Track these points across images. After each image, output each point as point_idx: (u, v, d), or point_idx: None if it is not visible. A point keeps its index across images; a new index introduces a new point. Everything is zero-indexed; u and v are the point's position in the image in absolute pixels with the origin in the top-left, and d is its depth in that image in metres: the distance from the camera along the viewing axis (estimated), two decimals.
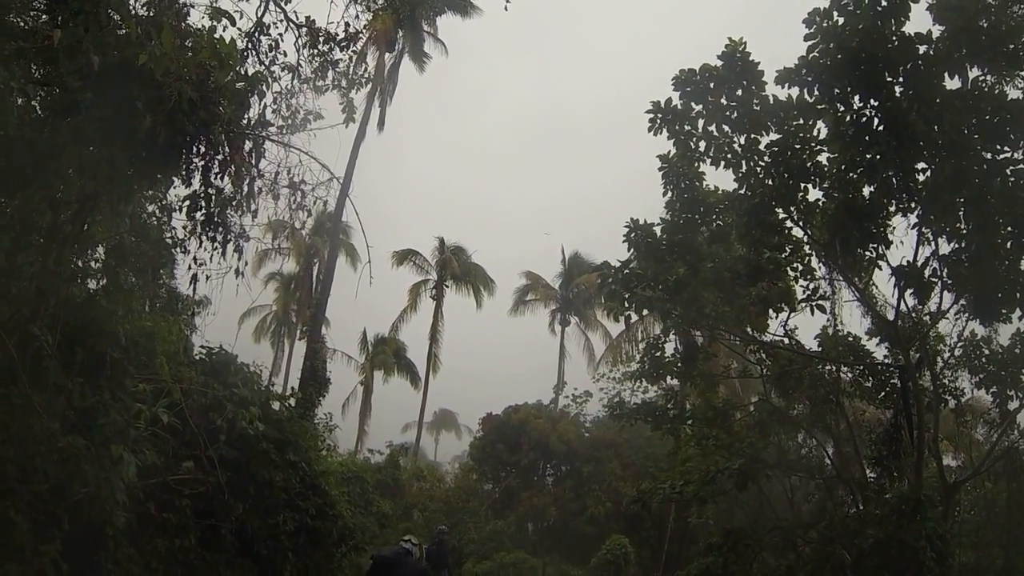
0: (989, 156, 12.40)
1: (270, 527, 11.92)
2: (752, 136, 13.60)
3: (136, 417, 8.08)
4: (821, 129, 13.43)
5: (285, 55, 11.52)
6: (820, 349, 16.10)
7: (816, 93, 12.92)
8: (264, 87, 8.77)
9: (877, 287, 15.43)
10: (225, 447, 10.65)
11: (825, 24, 12.48)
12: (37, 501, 7.04)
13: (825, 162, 13.69)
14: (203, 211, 8.09)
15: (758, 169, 13.75)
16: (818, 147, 13.53)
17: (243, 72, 8.88)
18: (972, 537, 15.83)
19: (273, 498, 12.04)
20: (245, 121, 8.23)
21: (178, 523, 10.01)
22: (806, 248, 14.81)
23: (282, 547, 12.13)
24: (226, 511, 10.83)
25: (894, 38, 12.34)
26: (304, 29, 11.80)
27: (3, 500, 6.73)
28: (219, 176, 7.90)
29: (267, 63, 11.37)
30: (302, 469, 13.03)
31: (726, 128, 13.68)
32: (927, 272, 13.63)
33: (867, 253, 14.07)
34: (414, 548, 11.49)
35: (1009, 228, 12.60)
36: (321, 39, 11.87)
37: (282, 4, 11.59)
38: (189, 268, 8.77)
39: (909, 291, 13.90)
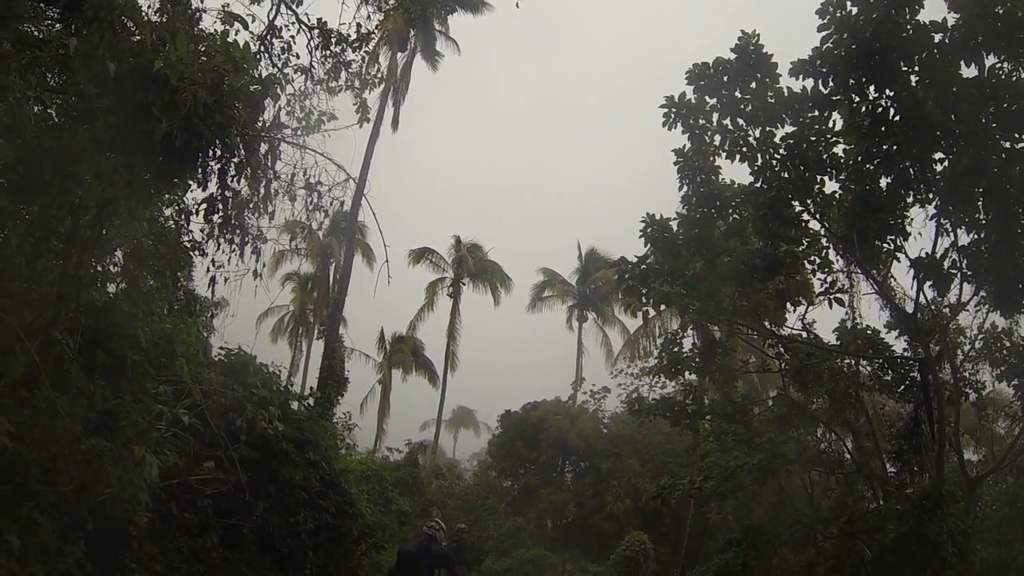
0: (1008, 145, 12.25)
1: (290, 526, 12.02)
2: (767, 129, 13.53)
3: (157, 418, 8.16)
4: (836, 121, 13.33)
5: (298, 57, 11.67)
6: (839, 343, 15.98)
7: (831, 84, 12.84)
8: (278, 89, 8.84)
9: (896, 279, 15.27)
10: (245, 447, 10.74)
11: (839, 15, 12.40)
12: (61, 502, 7.13)
13: (841, 154, 13.59)
14: (220, 214, 8.15)
15: (774, 162, 13.67)
16: (834, 139, 13.43)
17: (257, 75, 8.95)
18: (994, 532, 15.60)
19: (293, 497, 12.14)
20: (260, 123, 8.29)
21: (200, 522, 10.12)
22: (823, 241, 14.71)
23: (302, 545, 12.23)
24: (247, 510, 10.92)
25: (908, 27, 12.24)
26: (316, 31, 11.89)
27: (28, 501, 6.83)
28: (235, 179, 7.95)
29: (280, 65, 11.51)
30: (322, 468, 13.12)
31: (741, 121, 13.63)
32: (946, 264, 13.51)
33: (885, 245, 13.97)
34: (439, 533, 11.53)
35: None
36: (333, 40, 11.97)
37: (294, 7, 11.68)
38: (207, 270, 8.86)
39: (928, 283, 13.79)
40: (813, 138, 13.40)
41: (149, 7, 8.71)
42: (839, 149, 13.56)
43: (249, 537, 11.21)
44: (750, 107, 13.44)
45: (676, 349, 16.49)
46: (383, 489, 19.53)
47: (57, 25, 8.07)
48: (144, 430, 7.86)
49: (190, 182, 8.14)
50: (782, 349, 16.17)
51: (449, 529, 18.83)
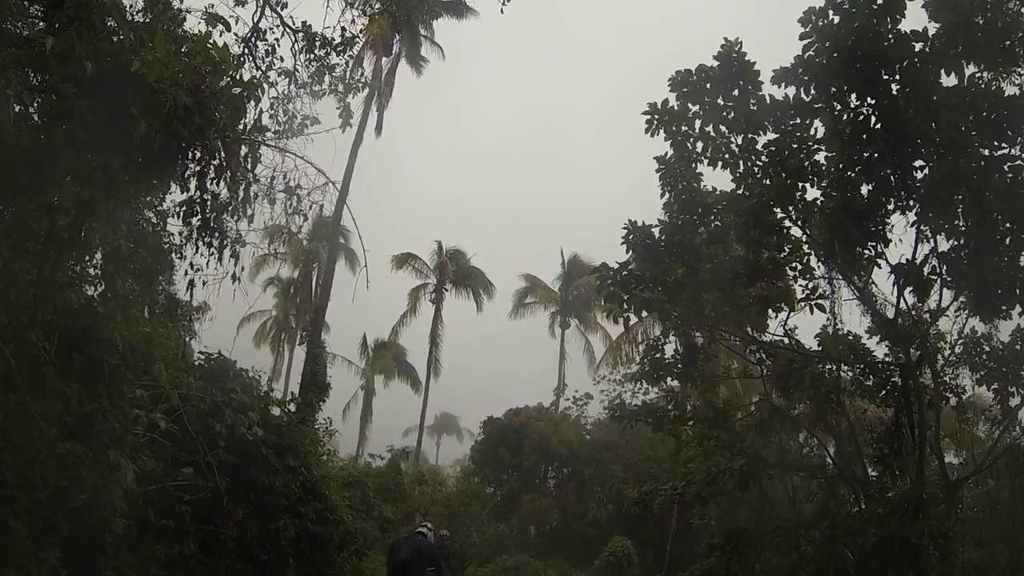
0: (987, 153, 12.40)
1: (270, 532, 11.90)
2: (749, 136, 13.59)
3: (134, 423, 8.04)
4: (818, 128, 13.42)
5: (282, 60, 11.61)
6: (820, 348, 16.06)
7: (813, 92, 12.92)
8: (260, 92, 8.75)
9: (876, 285, 15.40)
10: (224, 453, 10.61)
11: (821, 23, 12.49)
12: (36, 508, 7.01)
13: (823, 161, 13.68)
14: (199, 216, 8.08)
15: (756, 169, 13.74)
16: (815, 146, 13.51)
17: (239, 77, 8.88)
18: (975, 534, 15.77)
19: (273, 503, 12.03)
20: (241, 126, 8.22)
21: (178, 529, 9.98)
22: (805, 247, 14.77)
23: (283, 552, 12.11)
24: (226, 517, 10.80)
25: (890, 36, 12.35)
26: (300, 34, 11.83)
27: (2, 507, 6.70)
28: (215, 181, 7.88)
29: (264, 68, 11.43)
30: (302, 474, 13.02)
31: (723, 128, 13.67)
32: (926, 270, 13.61)
33: (866, 251, 14.05)
34: (429, 533, 11.45)
35: (1008, 224, 12.58)
36: (317, 44, 11.91)
37: (278, 9, 11.63)
38: (186, 274, 8.79)
39: (909, 289, 13.88)
40: (795, 145, 13.47)
41: (132, 7, 8.61)
42: (821, 156, 13.65)
43: (228, 544, 11.08)
44: (732, 114, 13.49)
45: (658, 355, 16.50)
46: (365, 495, 19.40)
47: (40, 23, 7.96)
48: (120, 435, 7.76)
49: (169, 184, 8.08)
50: (764, 355, 16.24)
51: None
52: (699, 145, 13.95)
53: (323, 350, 28.32)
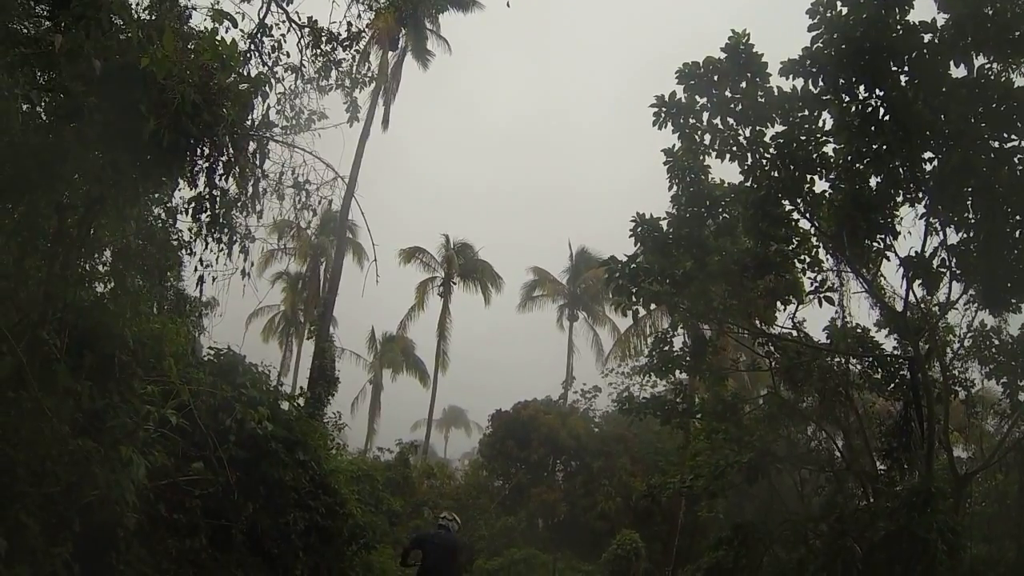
0: (996, 145, 12.34)
1: (280, 526, 11.95)
2: (757, 128, 13.56)
3: (145, 419, 8.10)
4: (826, 120, 13.38)
5: (288, 56, 11.62)
6: (829, 341, 16.03)
7: (821, 84, 12.88)
8: (267, 88, 8.79)
9: (885, 278, 15.35)
10: (234, 447, 10.66)
11: (829, 14, 12.44)
12: (48, 503, 7.08)
13: (831, 153, 13.65)
14: (208, 213, 8.13)
15: (764, 161, 13.71)
16: (824, 138, 13.48)
17: (246, 73, 8.91)
18: (983, 529, 15.72)
19: (283, 497, 12.07)
20: (249, 122, 8.25)
21: (188, 523, 10.05)
22: (813, 240, 14.76)
23: (293, 546, 12.16)
24: (236, 511, 10.86)
25: (898, 27, 12.29)
26: (306, 30, 11.84)
27: (15, 503, 6.77)
28: (223, 177, 7.92)
29: (270, 64, 11.45)
30: (312, 468, 13.05)
31: (731, 121, 13.66)
32: (935, 262, 13.59)
33: (875, 244, 14.04)
34: (451, 523, 11.54)
35: (1017, 217, 12.54)
36: (324, 39, 11.92)
37: (284, 5, 11.64)
38: (195, 270, 8.84)
39: (918, 282, 13.86)
40: (803, 137, 13.44)
41: (138, 4, 8.64)
42: (829, 148, 13.62)
43: (238, 538, 11.14)
44: (740, 107, 13.46)
45: (666, 348, 16.52)
46: (374, 489, 19.49)
47: (46, 23, 7.99)
48: (132, 431, 7.80)
49: (178, 181, 8.11)
50: (772, 348, 16.21)
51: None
52: (707, 137, 13.94)
53: (331, 344, 28.38)
